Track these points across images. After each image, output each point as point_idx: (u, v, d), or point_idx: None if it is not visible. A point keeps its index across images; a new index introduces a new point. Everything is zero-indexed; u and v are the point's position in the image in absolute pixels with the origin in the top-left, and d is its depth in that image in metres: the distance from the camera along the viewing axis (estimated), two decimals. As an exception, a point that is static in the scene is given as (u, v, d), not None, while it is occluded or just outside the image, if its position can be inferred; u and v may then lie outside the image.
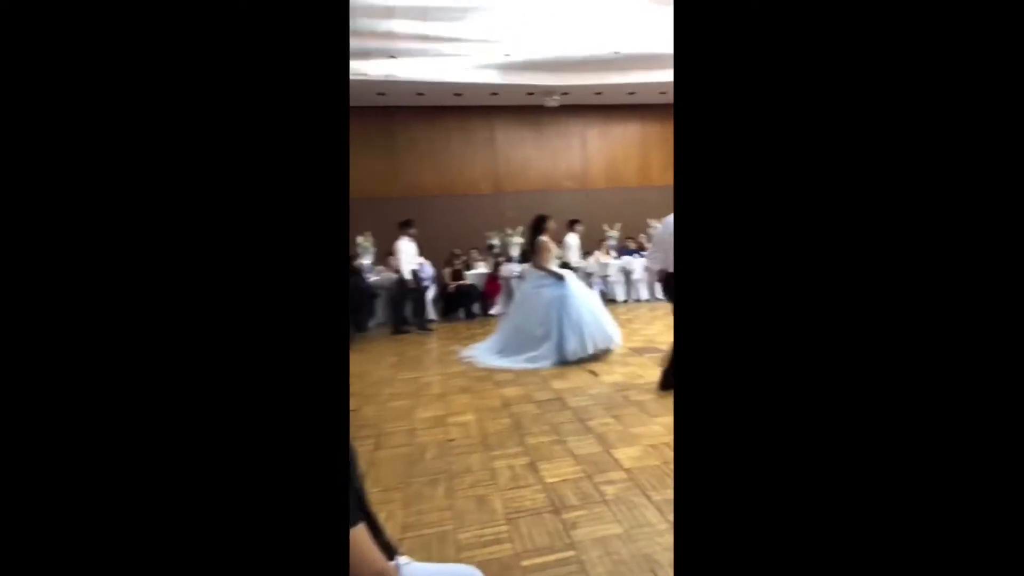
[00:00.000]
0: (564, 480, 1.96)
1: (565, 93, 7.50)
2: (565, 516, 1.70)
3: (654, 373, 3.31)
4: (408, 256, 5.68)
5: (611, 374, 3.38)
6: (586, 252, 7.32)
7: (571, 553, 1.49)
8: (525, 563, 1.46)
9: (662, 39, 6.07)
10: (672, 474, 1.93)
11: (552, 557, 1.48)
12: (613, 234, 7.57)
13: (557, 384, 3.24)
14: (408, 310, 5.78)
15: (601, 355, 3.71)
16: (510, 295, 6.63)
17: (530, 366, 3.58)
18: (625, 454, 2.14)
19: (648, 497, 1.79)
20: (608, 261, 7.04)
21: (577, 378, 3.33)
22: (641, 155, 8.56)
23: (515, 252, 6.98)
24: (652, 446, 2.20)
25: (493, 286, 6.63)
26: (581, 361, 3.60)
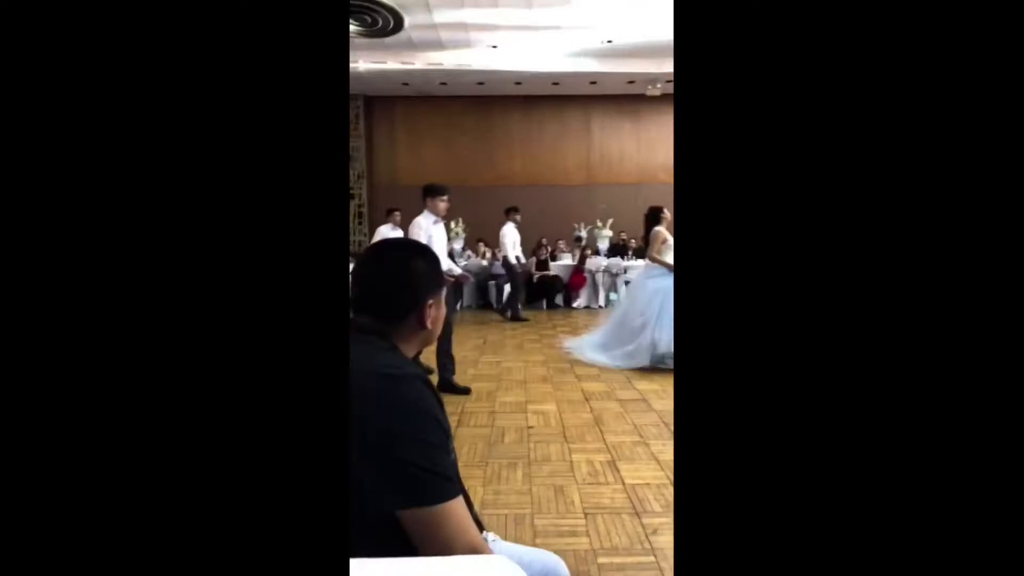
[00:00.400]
0: (646, 484, 1.89)
1: (668, 81, 7.11)
2: (646, 520, 1.64)
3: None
4: (512, 241, 5.82)
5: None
6: (679, 249, 6.91)
7: (650, 559, 1.43)
8: (602, 560, 1.43)
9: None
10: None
11: (631, 559, 1.44)
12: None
13: (641, 384, 3.12)
14: (506, 296, 5.92)
15: None
16: (595, 289, 6.52)
17: (622, 364, 3.46)
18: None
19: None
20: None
21: (665, 380, 3.18)
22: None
23: (603, 245, 6.82)
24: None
25: (578, 278, 6.55)
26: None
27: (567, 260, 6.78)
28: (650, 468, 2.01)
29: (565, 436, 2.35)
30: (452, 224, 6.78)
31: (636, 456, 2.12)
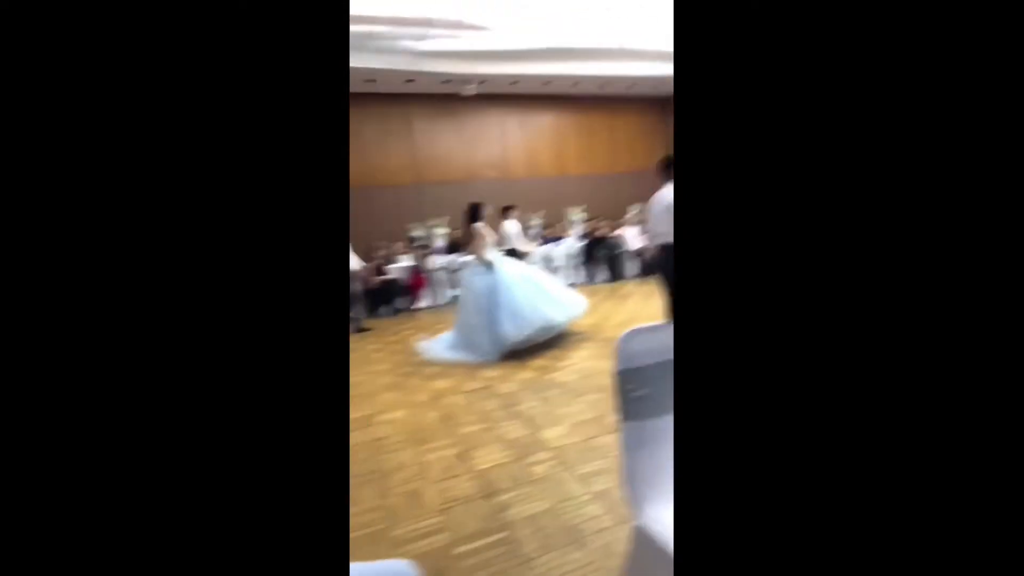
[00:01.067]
0: (497, 464, 2.00)
1: (482, 82, 7.48)
2: (495, 500, 1.74)
3: (579, 355, 3.46)
4: None
5: (537, 356, 3.49)
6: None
7: (504, 533, 1.54)
8: (459, 550, 1.48)
9: (576, 34, 6.24)
10: (595, 449, 2.05)
11: (485, 540, 1.52)
12: (535, 223, 7.74)
13: (486, 372, 3.28)
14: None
15: (552, 339, 3.61)
16: (436, 288, 6.56)
17: (475, 359, 3.49)
18: (552, 434, 2.23)
19: (572, 473, 1.88)
20: (531, 250, 7.19)
21: (505, 366, 3.39)
22: (557, 145, 8.80)
23: (440, 243, 6.89)
24: (575, 424, 2.31)
25: (418, 280, 6.50)
26: (526, 351, 3.50)
27: (406, 262, 6.67)
28: (498, 449, 2.14)
29: (416, 439, 2.34)
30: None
31: (484, 442, 2.23)
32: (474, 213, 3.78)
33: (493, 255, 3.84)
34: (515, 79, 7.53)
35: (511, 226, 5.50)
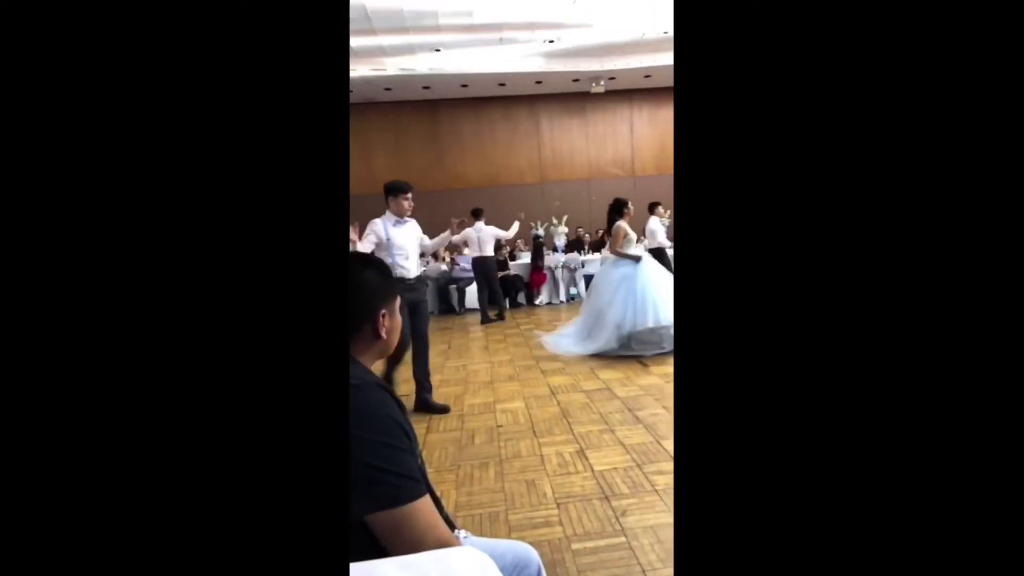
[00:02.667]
0: (614, 468, 1.95)
1: (612, 78, 7.32)
2: (615, 503, 1.70)
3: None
4: (489, 239, 5.48)
5: (662, 363, 3.32)
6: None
7: (621, 539, 1.49)
8: (576, 546, 1.48)
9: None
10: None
11: (602, 542, 1.49)
12: (664, 220, 7.35)
13: (605, 374, 3.21)
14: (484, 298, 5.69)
15: (657, 335, 3.54)
16: (555, 285, 6.62)
17: (593, 350, 3.58)
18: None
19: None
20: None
21: (627, 368, 3.29)
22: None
23: (560, 242, 6.93)
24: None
25: (538, 276, 6.62)
26: (645, 343, 3.51)
27: (526, 259, 6.84)
28: (617, 453, 2.08)
29: (534, 431, 2.39)
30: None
31: (603, 443, 2.18)
32: (617, 209, 3.76)
33: (639, 249, 3.83)
34: (648, 72, 7.23)
35: (654, 223, 5.36)
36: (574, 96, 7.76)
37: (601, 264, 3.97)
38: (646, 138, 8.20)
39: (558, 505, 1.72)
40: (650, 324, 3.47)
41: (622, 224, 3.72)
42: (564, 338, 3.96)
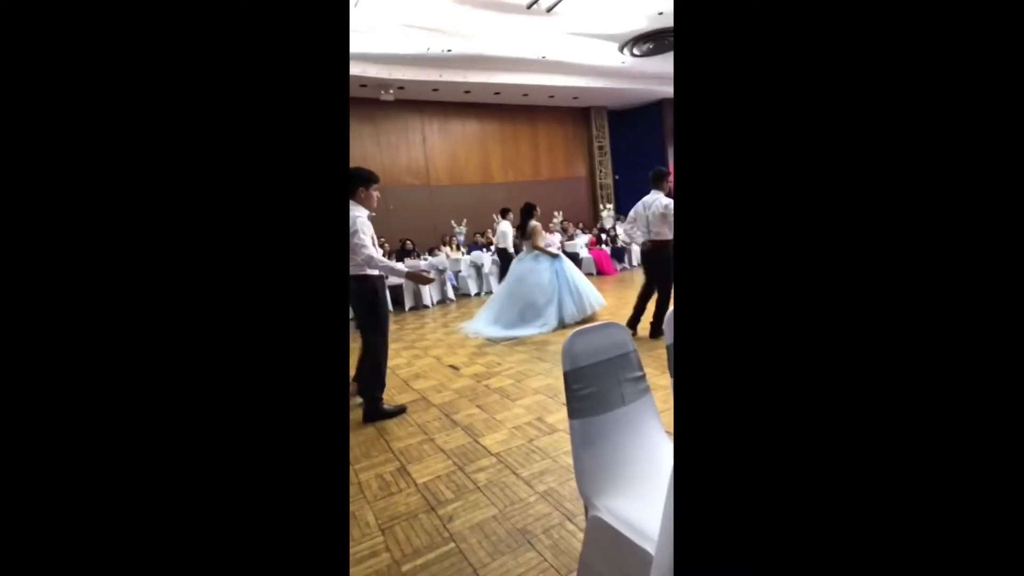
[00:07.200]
0: (436, 477, 1.96)
1: (401, 88, 7.34)
2: (441, 511, 1.71)
3: (514, 359, 3.51)
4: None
5: (473, 365, 3.48)
6: (431, 248, 7.33)
7: (451, 546, 1.51)
8: (406, 567, 1.44)
9: (492, 43, 6.35)
10: (536, 451, 2.09)
11: (432, 554, 1.49)
12: (461, 230, 7.72)
13: (418, 384, 3.21)
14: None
15: (590, 317, 4.37)
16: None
17: (529, 333, 4.20)
18: (492, 440, 2.24)
19: (517, 475, 1.91)
20: (458, 256, 7.16)
21: (440, 375, 3.34)
22: (481, 153, 8.87)
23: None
24: (515, 428, 2.34)
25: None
26: (578, 323, 4.22)
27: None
28: (438, 461, 2.10)
29: (349, 458, 2.22)
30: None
31: (423, 454, 2.18)
32: (529, 212, 4.51)
33: (555, 249, 4.78)
34: (436, 85, 7.50)
35: (505, 226, 6.45)
36: (364, 102, 7.50)
37: (518, 261, 4.68)
38: (438, 149, 8.48)
39: (383, 531, 1.64)
40: (588, 312, 4.39)
41: (537, 224, 4.48)
42: (476, 324, 4.51)
